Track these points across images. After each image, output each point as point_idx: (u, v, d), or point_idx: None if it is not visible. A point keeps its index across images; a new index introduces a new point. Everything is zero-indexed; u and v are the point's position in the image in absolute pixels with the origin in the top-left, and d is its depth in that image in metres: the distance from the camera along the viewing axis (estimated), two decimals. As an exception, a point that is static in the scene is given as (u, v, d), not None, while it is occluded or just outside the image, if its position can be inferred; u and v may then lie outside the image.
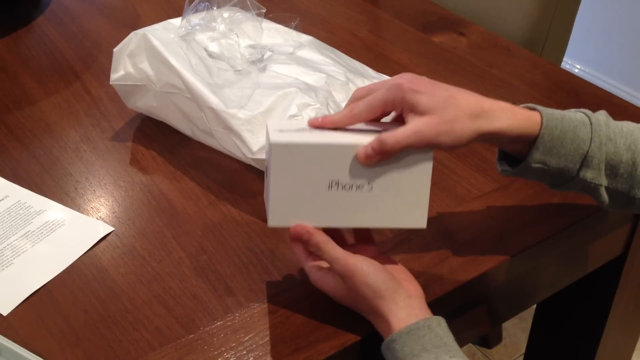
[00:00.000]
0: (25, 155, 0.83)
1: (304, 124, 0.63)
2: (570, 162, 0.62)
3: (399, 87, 0.60)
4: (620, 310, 0.94)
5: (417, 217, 0.63)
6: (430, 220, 0.74)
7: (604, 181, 0.64)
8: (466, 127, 0.59)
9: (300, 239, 0.62)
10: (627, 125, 0.65)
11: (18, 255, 0.70)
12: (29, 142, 0.85)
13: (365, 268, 0.60)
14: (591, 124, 0.63)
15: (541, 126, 0.61)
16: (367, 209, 0.62)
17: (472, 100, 0.61)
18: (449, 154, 0.83)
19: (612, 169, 0.63)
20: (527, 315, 1.56)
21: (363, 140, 0.60)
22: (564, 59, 1.29)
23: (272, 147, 0.59)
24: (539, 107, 0.63)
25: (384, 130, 0.62)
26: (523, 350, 1.45)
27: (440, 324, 0.59)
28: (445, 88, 0.61)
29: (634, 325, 1.02)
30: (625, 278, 0.91)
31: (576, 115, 0.64)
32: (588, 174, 0.63)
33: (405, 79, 0.61)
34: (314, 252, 0.62)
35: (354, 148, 0.60)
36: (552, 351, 1.06)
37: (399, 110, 0.62)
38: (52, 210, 0.75)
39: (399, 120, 0.63)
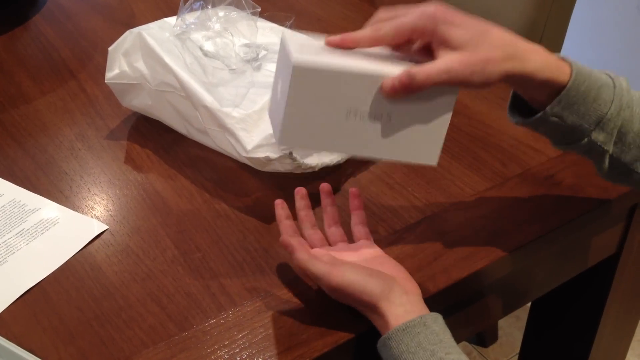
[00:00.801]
0: (20, 153, 0.83)
1: (322, 42, 0.59)
2: (586, 121, 0.60)
3: (432, 16, 0.57)
4: (615, 308, 0.95)
5: (429, 154, 0.60)
6: (424, 218, 0.74)
7: (611, 148, 0.62)
8: (498, 67, 0.57)
9: (286, 248, 0.64)
10: None
11: (12, 253, 0.70)
12: (24, 141, 0.85)
13: (351, 278, 0.60)
14: (614, 87, 0.61)
15: (570, 78, 0.59)
16: (382, 141, 0.59)
17: (507, 38, 0.58)
18: (443, 153, 0.83)
19: (621, 137, 0.62)
20: (523, 314, 1.57)
21: (390, 70, 0.56)
22: (560, 58, 1.29)
23: (295, 70, 0.55)
24: (570, 59, 0.61)
25: (411, 60, 0.59)
26: (519, 349, 1.46)
27: (436, 321, 0.59)
28: (479, 21, 0.58)
29: (629, 323, 1.02)
30: (620, 276, 0.91)
31: (601, 76, 0.61)
32: (600, 137, 0.61)
33: (439, 9, 0.57)
34: (298, 267, 0.63)
35: (380, 78, 0.56)
36: (546, 349, 1.06)
37: (427, 40, 0.58)
38: (47, 208, 0.75)
39: (424, 52, 0.60)
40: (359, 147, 0.59)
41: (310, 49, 0.58)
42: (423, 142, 0.60)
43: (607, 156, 0.63)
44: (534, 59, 0.58)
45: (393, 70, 0.57)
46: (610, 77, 0.62)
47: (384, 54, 0.60)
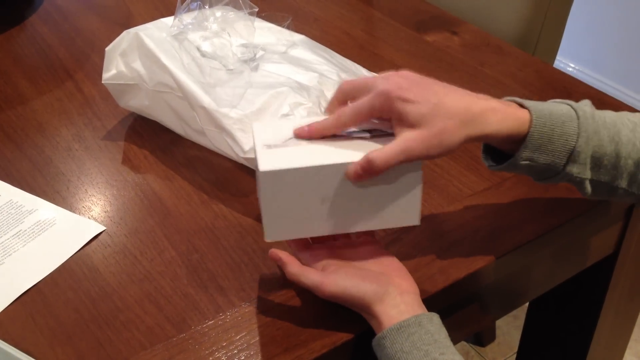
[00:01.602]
0: (17, 154, 0.83)
1: (290, 132, 0.63)
2: (557, 157, 0.62)
3: (386, 95, 0.59)
4: (612, 307, 0.95)
5: (410, 216, 0.64)
6: (421, 219, 0.74)
7: (588, 174, 0.64)
8: (455, 135, 0.59)
9: (276, 262, 0.64)
10: (610, 116, 0.65)
11: (9, 255, 0.70)
12: (21, 141, 0.85)
13: (344, 285, 0.61)
14: (578, 118, 0.63)
15: (530, 125, 0.61)
16: (361, 216, 0.63)
17: (462, 105, 0.60)
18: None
19: (596, 162, 0.63)
20: (521, 314, 1.57)
21: (352, 156, 0.60)
22: (558, 57, 1.29)
23: (262, 175, 0.59)
24: (527, 103, 0.63)
25: (374, 133, 0.62)
26: (517, 349, 1.46)
27: (432, 320, 0.59)
28: (434, 92, 0.60)
29: (627, 323, 1.02)
30: (617, 276, 0.91)
31: (562, 109, 0.63)
32: (574, 169, 0.63)
33: (393, 84, 0.59)
34: (290, 280, 0.63)
35: (343, 167, 0.60)
36: (544, 349, 1.07)
37: (386, 117, 0.61)
38: (44, 209, 0.75)
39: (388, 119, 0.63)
40: (342, 226, 0.63)
41: (277, 145, 0.62)
42: (401, 209, 0.63)
43: (587, 182, 0.64)
44: (491, 120, 0.60)
45: (355, 156, 0.60)
46: (573, 107, 0.64)
47: (349, 131, 0.63)
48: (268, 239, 0.62)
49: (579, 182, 0.64)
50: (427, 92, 0.60)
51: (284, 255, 0.64)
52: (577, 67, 2.32)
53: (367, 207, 0.62)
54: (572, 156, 0.62)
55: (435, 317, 0.59)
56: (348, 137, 0.63)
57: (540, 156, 0.62)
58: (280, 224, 0.62)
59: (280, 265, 0.64)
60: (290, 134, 0.63)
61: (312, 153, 0.61)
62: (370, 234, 0.68)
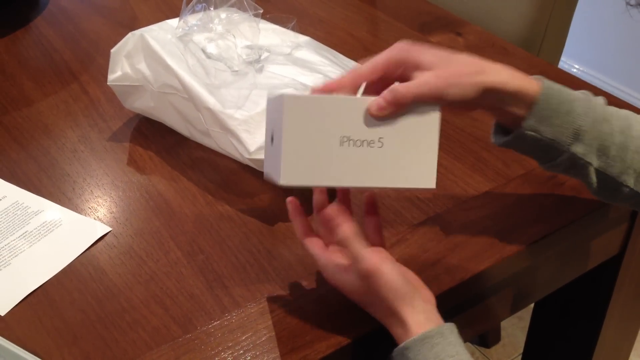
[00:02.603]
0: (22, 155, 0.83)
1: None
2: (563, 134, 0.62)
3: (402, 47, 0.61)
4: (618, 309, 0.95)
5: (426, 178, 0.62)
6: (426, 219, 0.74)
7: (594, 161, 0.63)
8: (472, 80, 0.60)
9: (326, 225, 0.61)
10: (624, 111, 0.65)
11: (16, 256, 0.70)
12: (27, 143, 0.85)
13: (388, 269, 0.59)
14: (589, 101, 0.63)
15: (540, 91, 0.61)
16: (378, 167, 0.61)
17: (472, 59, 0.61)
18: (446, 154, 0.83)
19: (603, 150, 0.63)
20: (526, 315, 1.56)
21: (373, 97, 0.60)
22: (562, 58, 1.29)
23: (285, 100, 0.58)
24: (540, 77, 0.63)
25: None
26: (521, 350, 1.46)
27: (452, 332, 0.58)
28: (444, 49, 0.62)
29: (632, 324, 1.02)
30: (623, 277, 0.91)
31: (574, 92, 0.63)
32: (579, 149, 0.62)
33: (407, 42, 0.61)
34: (338, 243, 0.61)
35: (365, 101, 0.59)
36: (550, 350, 1.06)
37: (401, 72, 0.61)
38: (50, 210, 0.75)
39: None
40: (358, 177, 0.61)
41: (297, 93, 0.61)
42: (417, 166, 0.62)
43: (593, 170, 0.64)
44: (503, 72, 0.61)
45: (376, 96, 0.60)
46: (585, 93, 0.64)
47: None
48: (283, 181, 0.59)
49: (583, 168, 0.63)
50: (438, 48, 0.62)
51: (340, 216, 0.61)
52: (581, 69, 2.32)
53: (385, 158, 0.60)
54: (578, 135, 0.62)
55: (454, 328, 0.59)
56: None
57: (546, 129, 0.62)
58: (298, 164, 0.59)
59: (332, 226, 0.60)
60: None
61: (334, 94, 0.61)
62: (383, 245, 0.65)
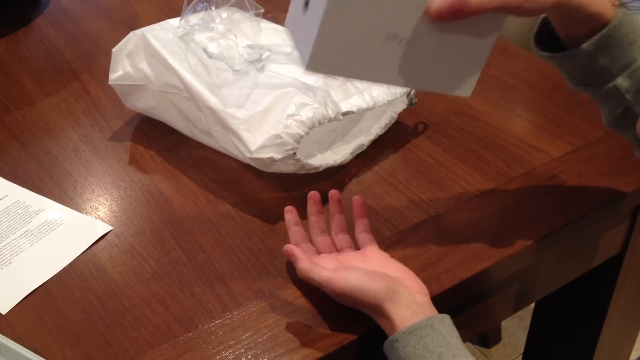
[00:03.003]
0: (24, 154, 0.83)
1: None
2: (616, 65, 0.60)
3: None
4: (619, 308, 0.95)
5: (465, 86, 0.57)
6: (427, 218, 0.74)
7: (630, 97, 0.61)
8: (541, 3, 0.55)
9: (289, 257, 0.64)
10: None
11: (17, 255, 0.70)
12: (28, 142, 0.85)
13: (355, 281, 0.61)
14: None
15: (615, 17, 0.58)
16: (418, 70, 0.55)
17: None
18: (447, 153, 0.83)
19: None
20: (527, 315, 1.57)
21: None
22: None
23: None
24: (621, 7, 0.59)
25: None
26: (522, 350, 1.45)
27: (443, 322, 0.58)
28: None
29: (633, 323, 1.02)
30: (624, 276, 0.91)
31: None
32: (625, 84, 0.60)
33: None
34: (301, 276, 0.64)
35: (425, 1, 0.52)
36: (550, 350, 1.06)
37: None
38: (51, 209, 0.75)
39: None
40: (393, 76, 0.54)
41: None
42: (460, 74, 0.56)
43: (623, 105, 0.62)
44: None
45: None
46: None
47: None
48: (309, 67, 0.52)
49: (617, 102, 0.61)
50: None
51: (297, 251, 0.64)
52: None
53: (428, 61, 0.54)
54: (630, 68, 0.59)
55: (446, 319, 0.59)
56: None
57: (602, 57, 0.59)
58: (330, 52, 0.51)
59: (292, 261, 0.64)
60: None
61: None
62: (372, 242, 0.69)
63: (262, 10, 0.87)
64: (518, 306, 0.83)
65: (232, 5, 0.88)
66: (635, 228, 0.86)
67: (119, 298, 0.66)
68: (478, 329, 0.80)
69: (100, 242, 0.72)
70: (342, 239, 0.70)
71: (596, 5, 0.58)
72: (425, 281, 0.66)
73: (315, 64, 0.52)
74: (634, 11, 0.61)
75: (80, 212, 0.75)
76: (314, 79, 0.81)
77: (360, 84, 0.84)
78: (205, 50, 0.83)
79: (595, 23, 0.59)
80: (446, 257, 0.70)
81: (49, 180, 0.80)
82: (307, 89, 0.79)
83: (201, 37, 0.84)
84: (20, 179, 0.80)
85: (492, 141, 0.85)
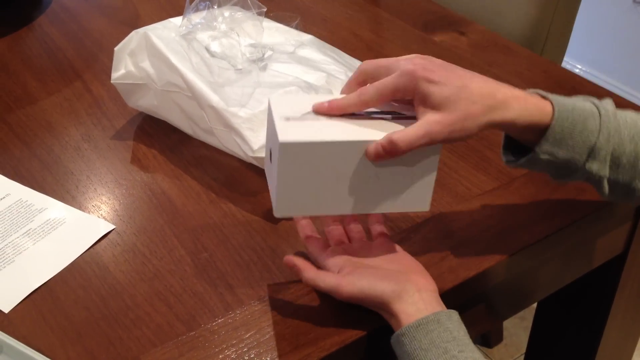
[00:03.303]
0: (26, 153, 0.83)
1: (309, 107, 0.61)
2: (577, 153, 0.62)
3: (412, 75, 0.59)
4: (621, 308, 0.94)
5: (421, 202, 0.63)
6: (430, 218, 0.74)
7: (607, 172, 0.63)
8: (477, 120, 0.59)
9: (292, 269, 0.64)
10: (631, 116, 0.65)
11: (19, 253, 0.70)
12: (30, 141, 0.85)
13: (361, 285, 0.61)
14: (600, 115, 0.62)
15: (552, 117, 0.61)
16: (374, 197, 0.62)
17: (486, 91, 0.60)
18: (450, 152, 0.83)
19: (615, 160, 0.63)
20: (528, 315, 1.56)
21: (373, 135, 0.59)
22: (565, 58, 1.29)
23: (281, 146, 0.58)
24: (550, 96, 0.62)
25: (394, 115, 0.61)
26: (524, 350, 1.45)
27: (450, 318, 0.59)
28: (458, 76, 0.60)
29: (635, 324, 1.02)
30: (626, 276, 0.91)
31: (585, 105, 0.63)
32: (594, 166, 0.63)
33: (418, 65, 0.59)
34: (308, 285, 0.64)
35: (364, 145, 0.59)
36: (553, 350, 1.06)
37: (408, 99, 0.61)
38: (53, 208, 0.75)
39: (407, 102, 0.62)
40: (353, 207, 0.62)
41: (295, 118, 0.60)
42: (414, 193, 0.63)
43: (605, 181, 0.64)
44: (513, 106, 0.60)
45: (376, 134, 0.59)
46: (595, 104, 0.64)
47: (368, 110, 0.62)
48: (278, 213, 0.61)
49: (598, 181, 0.64)
50: (452, 75, 0.59)
51: (299, 262, 0.64)
52: (584, 69, 2.32)
53: (381, 189, 0.61)
54: (592, 153, 0.62)
55: (454, 314, 0.59)
56: (368, 116, 0.61)
57: (560, 151, 0.62)
58: (292, 199, 0.60)
59: (295, 272, 0.64)
60: (309, 108, 0.61)
61: (332, 129, 0.60)
62: (386, 236, 0.69)
63: (265, 9, 0.87)
64: (521, 306, 0.83)
65: (235, 4, 0.88)
66: (638, 228, 0.86)
67: (121, 297, 0.66)
68: (481, 328, 0.80)
69: (103, 241, 0.72)
70: (354, 229, 0.69)
71: (527, 118, 0.61)
72: (428, 280, 0.66)
73: (282, 210, 0.61)
74: (564, 99, 0.63)
75: (83, 210, 0.75)
76: (317, 78, 0.81)
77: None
78: (207, 49, 0.83)
79: (536, 129, 0.61)
80: (449, 256, 0.70)
81: (51, 179, 0.80)
82: (310, 88, 0.78)
83: (203, 36, 0.84)
84: (23, 178, 0.79)
85: (495, 141, 0.85)
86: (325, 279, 0.62)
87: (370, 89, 0.61)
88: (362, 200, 0.62)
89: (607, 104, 0.64)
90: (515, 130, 0.62)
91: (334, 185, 0.61)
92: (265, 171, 0.65)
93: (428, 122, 0.58)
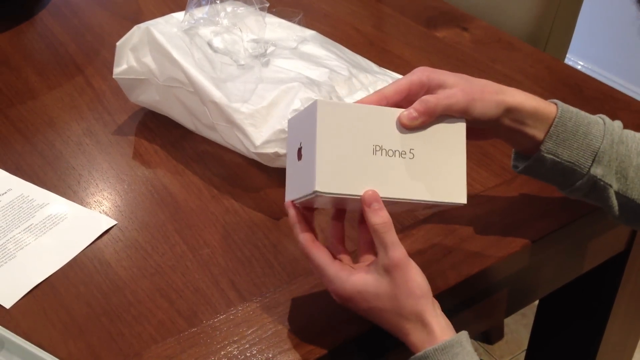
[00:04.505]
0: (28, 148, 0.83)
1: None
2: (582, 156, 0.63)
3: (424, 70, 0.62)
4: (623, 306, 0.94)
5: (456, 192, 0.62)
6: (433, 214, 0.74)
7: (614, 183, 0.64)
8: (494, 97, 0.61)
9: (369, 207, 0.57)
10: (639, 134, 0.66)
11: (21, 249, 0.70)
12: (32, 136, 0.85)
13: (414, 264, 0.58)
14: (604, 124, 0.64)
15: (556, 115, 0.63)
16: (410, 179, 0.60)
17: (490, 82, 0.63)
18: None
19: (622, 172, 0.64)
20: (529, 312, 1.56)
21: (402, 109, 0.61)
22: (567, 55, 1.29)
23: (319, 105, 0.57)
24: (556, 100, 0.65)
25: None
26: (524, 347, 1.45)
27: (468, 341, 0.57)
28: (465, 75, 0.64)
29: (637, 321, 1.02)
30: (629, 274, 0.90)
31: (590, 115, 0.65)
32: (598, 171, 0.63)
33: (428, 67, 0.63)
34: (376, 227, 0.57)
35: (396, 112, 0.60)
36: (554, 347, 1.06)
37: (425, 92, 0.62)
38: (55, 203, 0.75)
39: None
40: (390, 187, 0.59)
41: None
42: (447, 180, 0.61)
43: (613, 193, 0.64)
44: (520, 93, 0.63)
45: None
46: (601, 117, 0.66)
47: None
48: (318, 187, 0.56)
49: (604, 191, 0.64)
50: (459, 74, 0.63)
51: (382, 204, 0.58)
52: (587, 65, 2.31)
53: (416, 170, 0.60)
54: (596, 157, 0.63)
55: (468, 336, 0.58)
56: None
57: (564, 151, 0.63)
58: (332, 171, 0.57)
59: (375, 208, 0.57)
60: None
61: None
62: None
63: (267, 5, 0.87)
64: (523, 303, 0.83)
65: (237, -1, 0.88)
66: (641, 225, 0.86)
67: (123, 292, 0.66)
68: (483, 325, 0.80)
69: (105, 237, 0.72)
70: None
71: (533, 102, 0.63)
72: (431, 277, 0.66)
73: (322, 185, 0.57)
74: (570, 107, 0.65)
75: (85, 206, 0.75)
76: (319, 74, 0.81)
77: (365, 79, 0.84)
78: (210, 45, 0.83)
79: (541, 122, 0.63)
80: (452, 253, 0.70)
81: (52, 174, 0.79)
82: (312, 83, 0.78)
83: (206, 32, 0.84)
84: (24, 173, 0.79)
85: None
86: (395, 234, 0.58)
87: (387, 86, 0.62)
88: (400, 181, 0.59)
89: (615, 121, 0.66)
90: (523, 119, 0.62)
91: (371, 159, 0.59)
92: (287, 180, 0.62)
93: (453, 90, 0.61)
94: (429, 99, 0.60)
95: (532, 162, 0.65)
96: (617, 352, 1.03)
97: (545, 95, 0.92)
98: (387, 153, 0.59)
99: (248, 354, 0.60)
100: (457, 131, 0.62)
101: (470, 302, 0.73)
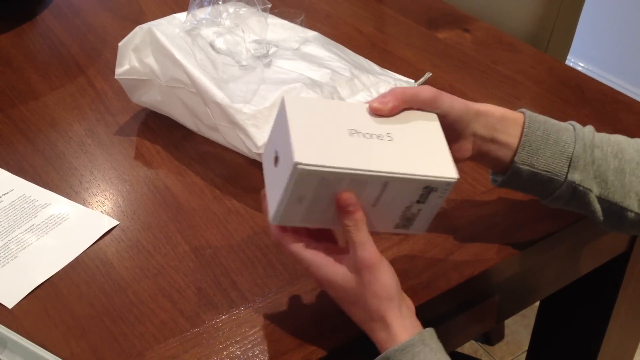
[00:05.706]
0: (30, 149, 0.83)
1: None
2: (557, 164, 0.63)
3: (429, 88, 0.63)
4: (624, 307, 0.94)
5: (445, 168, 0.59)
6: (434, 215, 0.74)
7: (594, 188, 0.64)
8: (462, 101, 0.63)
9: (344, 207, 0.56)
10: (615, 136, 0.66)
11: (23, 249, 0.70)
12: (34, 136, 0.85)
13: (386, 267, 0.57)
14: (574, 129, 0.65)
15: (524, 121, 0.64)
16: (395, 156, 0.58)
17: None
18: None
19: (601, 176, 0.64)
20: (530, 313, 1.57)
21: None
22: (569, 57, 1.29)
23: (287, 99, 0.57)
24: (523, 109, 0.66)
25: None
26: (525, 348, 1.46)
27: (433, 337, 0.57)
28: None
29: (638, 322, 1.02)
30: (630, 275, 0.90)
31: (559, 123, 0.65)
32: (576, 177, 0.63)
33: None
34: (347, 228, 0.57)
35: (364, 105, 0.60)
36: (555, 348, 1.06)
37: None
38: (57, 203, 0.75)
39: None
40: (377, 163, 0.57)
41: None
42: (432, 158, 0.60)
43: (594, 197, 0.64)
44: (488, 104, 0.65)
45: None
46: (571, 124, 0.66)
47: None
48: (299, 158, 0.54)
49: (585, 197, 0.64)
50: None
51: (356, 202, 0.57)
52: (587, 67, 2.31)
53: (399, 150, 0.59)
54: (572, 162, 0.63)
55: (434, 333, 0.57)
56: None
57: (539, 160, 0.63)
58: (310, 148, 0.55)
59: (350, 209, 0.57)
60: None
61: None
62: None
63: (269, 5, 0.87)
64: (524, 304, 0.83)
65: (239, 0, 0.88)
66: (642, 226, 0.86)
67: (125, 293, 0.66)
68: (484, 326, 0.80)
69: (107, 237, 0.72)
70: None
71: (501, 110, 0.64)
72: (433, 278, 0.66)
73: (302, 157, 0.54)
74: (538, 115, 0.66)
75: (87, 206, 0.75)
76: (321, 75, 0.81)
77: (367, 80, 0.84)
78: (212, 45, 0.83)
79: (511, 129, 0.64)
80: (454, 254, 0.70)
81: (54, 175, 0.79)
82: (314, 84, 0.78)
83: (208, 32, 0.84)
84: (26, 173, 0.79)
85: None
86: (368, 232, 0.57)
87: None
88: (385, 158, 0.57)
89: (587, 127, 0.66)
90: (493, 124, 0.63)
91: (349, 139, 0.57)
92: (267, 190, 0.61)
93: (423, 87, 0.62)
94: (397, 88, 0.61)
95: (509, 175, 0.65)
96: (618, 354, 1.04)
97: (547, 96, 0.93)
98: (364, 135, 0.58)
99: (250, 354, 0.60)
100: (431, 119, 0.62)
101: (471, 303, 0.73)
